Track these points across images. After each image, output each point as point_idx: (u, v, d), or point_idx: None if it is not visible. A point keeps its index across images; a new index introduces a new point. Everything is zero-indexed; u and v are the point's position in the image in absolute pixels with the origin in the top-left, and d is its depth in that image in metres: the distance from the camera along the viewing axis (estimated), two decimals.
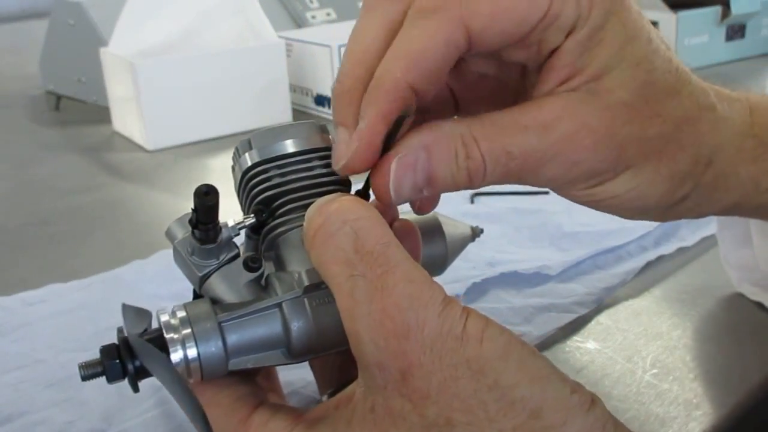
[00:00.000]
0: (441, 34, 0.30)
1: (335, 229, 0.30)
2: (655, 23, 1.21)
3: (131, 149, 0.98)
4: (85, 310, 0.57)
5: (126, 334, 0.33)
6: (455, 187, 0.32)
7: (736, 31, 1.25)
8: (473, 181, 0.32)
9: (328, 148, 0.39)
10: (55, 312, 0.57)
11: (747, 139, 0.36)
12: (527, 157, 0.32)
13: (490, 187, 0.84)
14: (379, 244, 0.29)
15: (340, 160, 0.33)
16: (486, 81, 0.37)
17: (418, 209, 0.37)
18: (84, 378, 0.33)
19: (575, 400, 0.27)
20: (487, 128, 0.32)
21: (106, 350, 0.33)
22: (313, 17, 1.27)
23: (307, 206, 0.33)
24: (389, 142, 0.32)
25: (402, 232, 0.37)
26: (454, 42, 0.30)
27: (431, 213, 0.43)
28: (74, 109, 1.19)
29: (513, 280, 0.57)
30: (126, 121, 1.02)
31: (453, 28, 0.30)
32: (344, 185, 0.39)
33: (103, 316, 0.55)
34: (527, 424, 0.27)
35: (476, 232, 0.45)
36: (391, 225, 0.37)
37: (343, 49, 0.98)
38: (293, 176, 0.38)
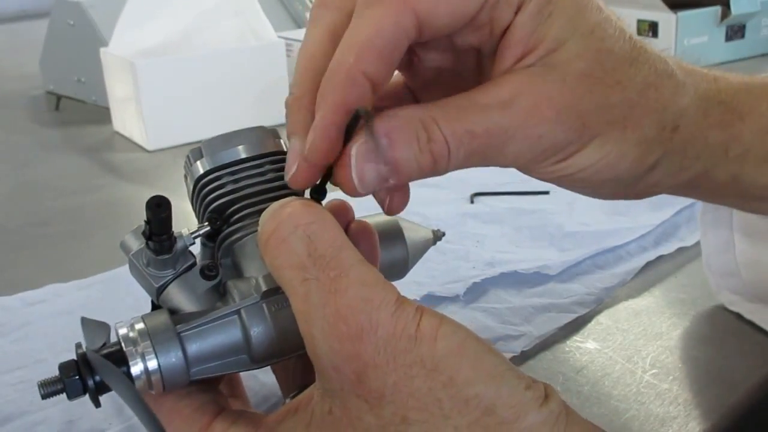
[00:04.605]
0: (389, 19, 0.30)
1: (288, 233, 0.30)
2: (655, 23, 1.21)
3: (131, 149, 0.98)
4: (85, 310, 0.56)
5: (84, 350, 0.32)
6: (421, 173, 0.31)
7: (736, 32, 1.25)
8: (438, 164, 0.31)
9: (280, 152, 0.39)
10: (55, 312, 0.57)
11: (713, 105, 0.36)
12: (490, 135, 0.31)
13: (490, 187, 0.84)
14: (331, 247, 0.30)
15: (290, 170, 0.32)
16: (443, 75, 0.37)
17: (387, 209, 0.35)
18: (44, 396, 0.32)
19: (529, 396, 0.28)
20: (447, 111, 0.31)
21: (65, 367, 0.32)
22: None
23: (261, 212, 0.32)
24: (348, 137, 0.31)
25: (358, 233, 0.37)
26: (403, 26, 0.30)
27: (392, 216, 0.42)
28: (74, 109, 1.19)
29: (513, 280, 0.57)
30: (126, 121, 1.02)
31: (400, 12, 0.30)
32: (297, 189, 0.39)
33: (103, 316, 0.54)
34: (481, 421, 0.27)
35: (438, 236, 0.45)
36: (348, 227, 0.37)
37: None
38: (246, 182, 0.38)
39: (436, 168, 0.31)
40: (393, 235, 0.41)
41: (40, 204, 0.83)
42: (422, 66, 0.36)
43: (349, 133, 0.31)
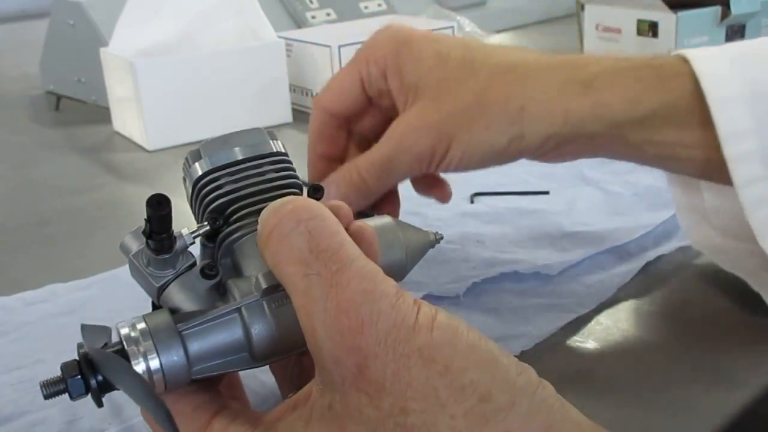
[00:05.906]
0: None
1: (290, 229, 0.31)
2: (655, 23, 1.21)
3: (131, 149, 0.98)
4: (85, 310, 0.57)
5: (86, 349, 0.32)
6: (366, 191, 0.50)
7: (736, 32, 1.25)
8: (369, 187, 0.50)
9: (279, 153, 0.40)
10: (55, 312, 0.57)
11: (571, 85, 0.46)
12: (384, 159, 0.50)
13: (490, 187, 0.84)
14: (333, 242, 0.30)
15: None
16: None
17: (441, 198, 0.57)
18: (47, 396, 0.32)
19: (522, 381, 0.28)
20: (361, 158, 0.51)
21: (67, 367, 0.32)
22: (313, 17, 1.27)
23: (260, 211, 0.33)
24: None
25: (357, 235, 0.37)
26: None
27: (389, 218, 0.42)
28: (74, 109, 1.19)
29: (513, 280, 0.57)
30: (126, 121, 1.02)
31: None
32: (296, 189, 0.39)
33: (103, 316, 0.55)
34: (477, 408, 0.27)
35: (436, 239, 0.44)
36: (347, 228, 0.37)
37: (343, 50, 0.98)
38: (245, 182, 0.38)
39: (366, 188, 0.50)
40: (389, 237, 0.41)
41: (40, 204, 0.83)
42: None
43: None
